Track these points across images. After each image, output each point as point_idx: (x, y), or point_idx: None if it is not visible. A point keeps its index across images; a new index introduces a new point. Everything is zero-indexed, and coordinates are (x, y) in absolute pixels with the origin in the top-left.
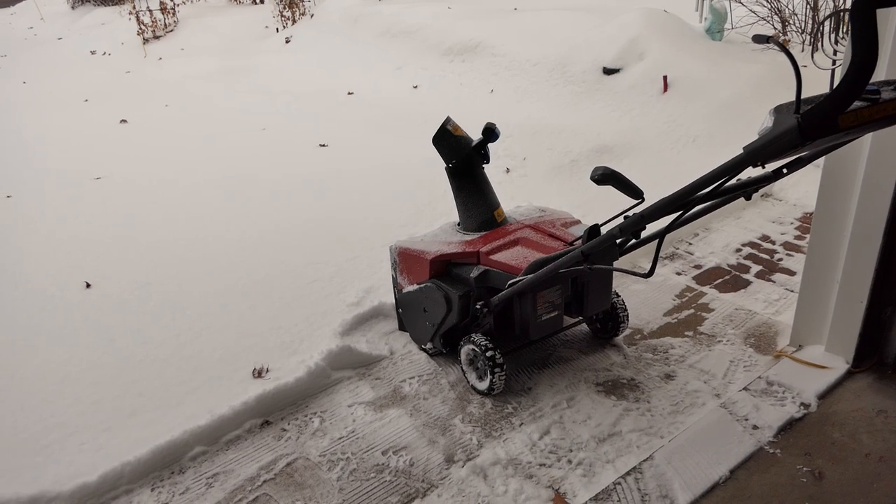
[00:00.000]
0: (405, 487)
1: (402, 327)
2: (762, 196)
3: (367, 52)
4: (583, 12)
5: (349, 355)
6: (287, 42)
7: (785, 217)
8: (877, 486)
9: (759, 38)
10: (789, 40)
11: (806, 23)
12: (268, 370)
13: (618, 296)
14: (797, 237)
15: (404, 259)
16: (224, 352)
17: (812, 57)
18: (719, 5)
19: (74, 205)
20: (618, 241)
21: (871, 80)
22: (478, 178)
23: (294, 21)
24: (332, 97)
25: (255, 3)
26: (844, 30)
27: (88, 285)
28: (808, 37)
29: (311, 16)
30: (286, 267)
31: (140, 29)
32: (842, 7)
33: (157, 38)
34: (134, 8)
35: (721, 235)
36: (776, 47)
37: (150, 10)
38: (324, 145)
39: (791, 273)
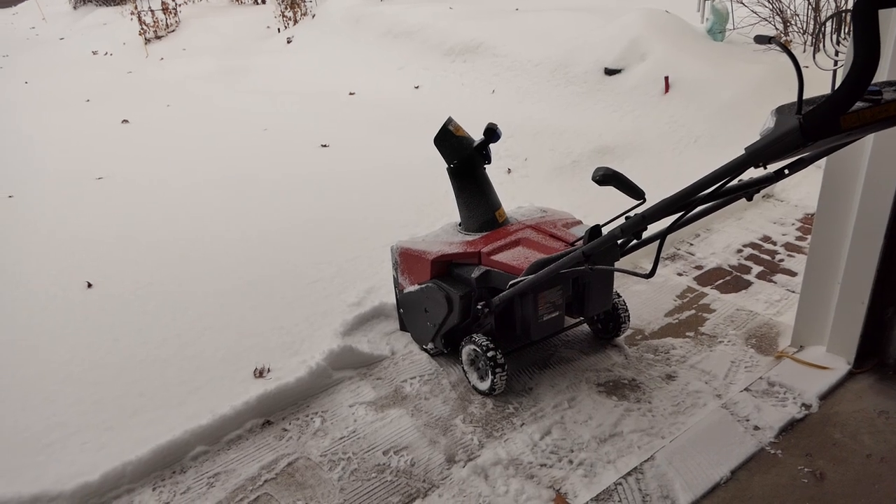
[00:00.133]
0: (406, 487)
1: (403, 327)
2: (764, 197)
3: (368, 53)
4: (584, 13)
5: (350, 355)
6: (288, 42)
7: (786, 218)
8: (878, 487)
9: (760, 39)
10: (791, 41)
11: (808, 23)
12: (269, 370)
13: (619, 296)
14: (798, 238)
15: (405, 259)
16: (225, 352)
17: (814, 58)
18: (721, 6)
19: (76, 205)
20: (619, 241)
21: (873, 81)
22: (479, 179)
23: (295, 21)
24: (333, 97)
25: (257, 4)
26: (846, 30)
27: (90, 285)
28: (810, 37)
29: (313, 16)
30: (287, 267)
31: (142, 29)
32: (843, 8)
33: (158, 38)
34: (136, 8)
35: (722, 236)
36: (778, 48)
37: (152, 11)
38: (325, 146)
39: (792, 274)
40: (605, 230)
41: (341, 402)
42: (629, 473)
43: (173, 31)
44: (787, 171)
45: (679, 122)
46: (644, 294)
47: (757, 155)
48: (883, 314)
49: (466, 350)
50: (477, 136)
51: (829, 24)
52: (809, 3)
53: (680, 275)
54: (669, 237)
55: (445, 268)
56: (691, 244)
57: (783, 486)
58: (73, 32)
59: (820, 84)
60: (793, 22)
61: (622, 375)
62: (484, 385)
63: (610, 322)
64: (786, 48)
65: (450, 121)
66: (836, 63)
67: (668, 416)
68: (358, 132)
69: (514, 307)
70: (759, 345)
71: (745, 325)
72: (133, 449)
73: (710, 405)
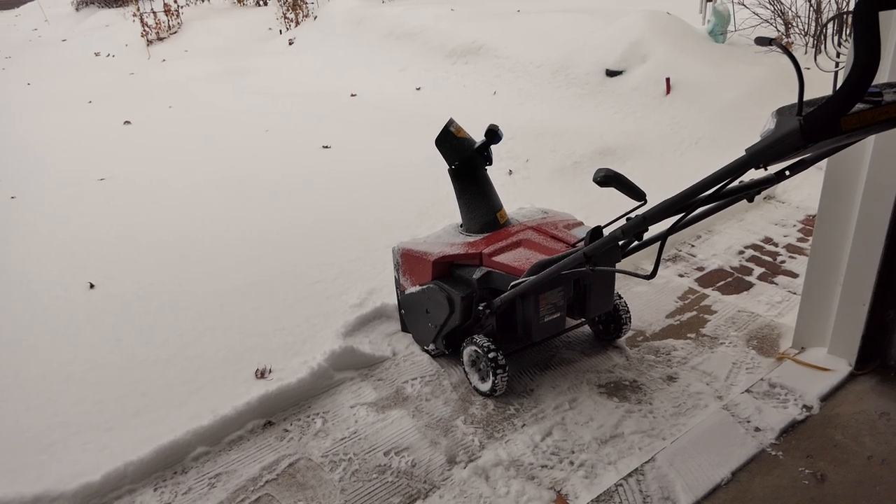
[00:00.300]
0: (407, 488)
1: (404, 328)
2: (765, 198)
3: (370, 54)
4: (586, 14)
5: (352, 356)
6: (290, 44)
7: (787, 219)
8: (879, 489)
9: (762, 41)
10: (792, 42)
11: (809, 25)
12: (270, 371)
13: (620, 297)
14: (800, 239)
15: (407, 260)
16: (227, 352)
17: (815, 59)
18: (722, 7)
19: (78, 205)
20: (620, 242)
21: (874, 83)
22: (480, 180)
23: (297, 23)
24: (335, 99)
25: (259, 5)
26: (847, 32)
27: (92, 286)
28: (811, 39)
29: (315, 18)
30: (289, 268)
31: (144, 31)
32: (845, 9)
33: (160, 39)
34: (138, 10)
35: (723, 237)
36: (779, 49)
37: (154, 12)
38: (327, 147)
39: (794, 275)
40: (606, 231)
41: (342, 403)
42: (630, 475)
43: (175, 32)
44: (787, 173)
45: (680, 123)
46: (645, 295)
47: (758, 156)
48: (884, 316)
49: (468, 351)
50: (478, 137)
51: (830, 25)
52: (811, 5)
53: (681, 276)
54: (670, 238)
55: (447, 269)
56: (692, 245)
57: (784, 488)
58: (76, 34)
59: (821, 85)
60: (794, 24)
61: (623, 377)
62: (485, 386)
63: (611, 323)
64: (787, 50)
65: (451, 122)
66: (837, 65)
67: (669, 417)
68: (359, 133)
69: (516, 308)
70: (761, 346)
71: (746, 326)
72: (135, 449)
73: (711, 406)
